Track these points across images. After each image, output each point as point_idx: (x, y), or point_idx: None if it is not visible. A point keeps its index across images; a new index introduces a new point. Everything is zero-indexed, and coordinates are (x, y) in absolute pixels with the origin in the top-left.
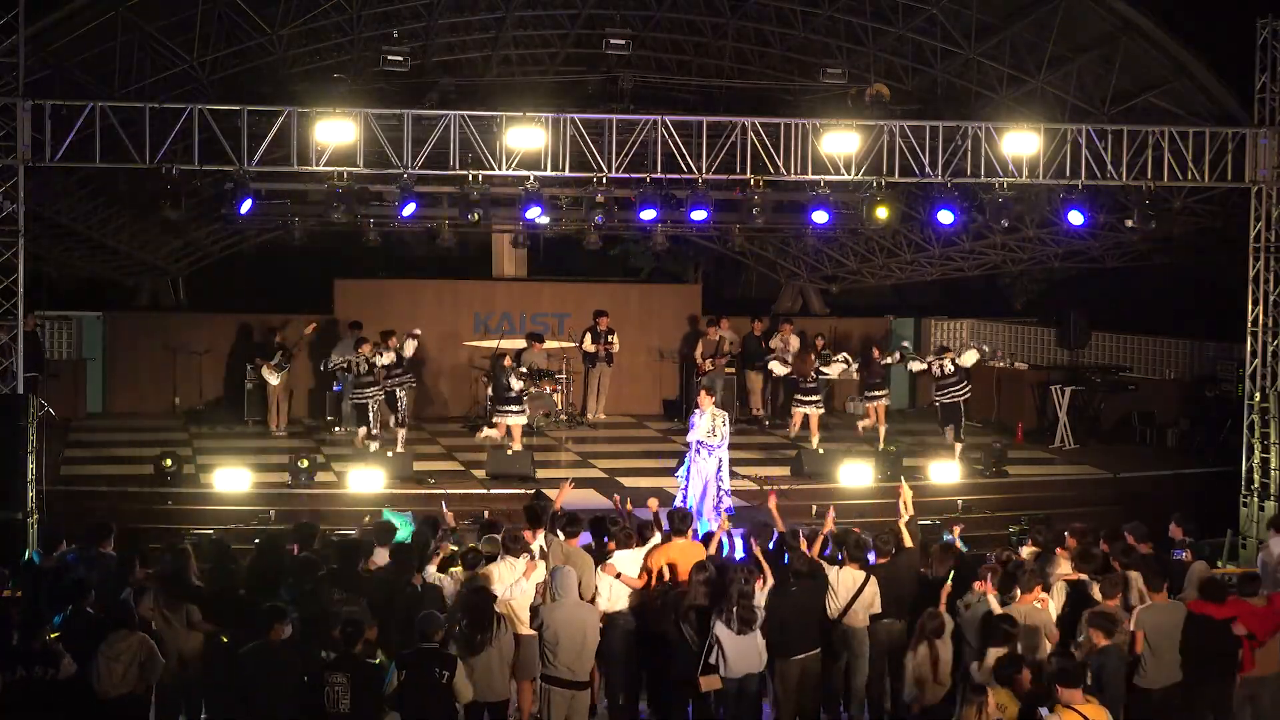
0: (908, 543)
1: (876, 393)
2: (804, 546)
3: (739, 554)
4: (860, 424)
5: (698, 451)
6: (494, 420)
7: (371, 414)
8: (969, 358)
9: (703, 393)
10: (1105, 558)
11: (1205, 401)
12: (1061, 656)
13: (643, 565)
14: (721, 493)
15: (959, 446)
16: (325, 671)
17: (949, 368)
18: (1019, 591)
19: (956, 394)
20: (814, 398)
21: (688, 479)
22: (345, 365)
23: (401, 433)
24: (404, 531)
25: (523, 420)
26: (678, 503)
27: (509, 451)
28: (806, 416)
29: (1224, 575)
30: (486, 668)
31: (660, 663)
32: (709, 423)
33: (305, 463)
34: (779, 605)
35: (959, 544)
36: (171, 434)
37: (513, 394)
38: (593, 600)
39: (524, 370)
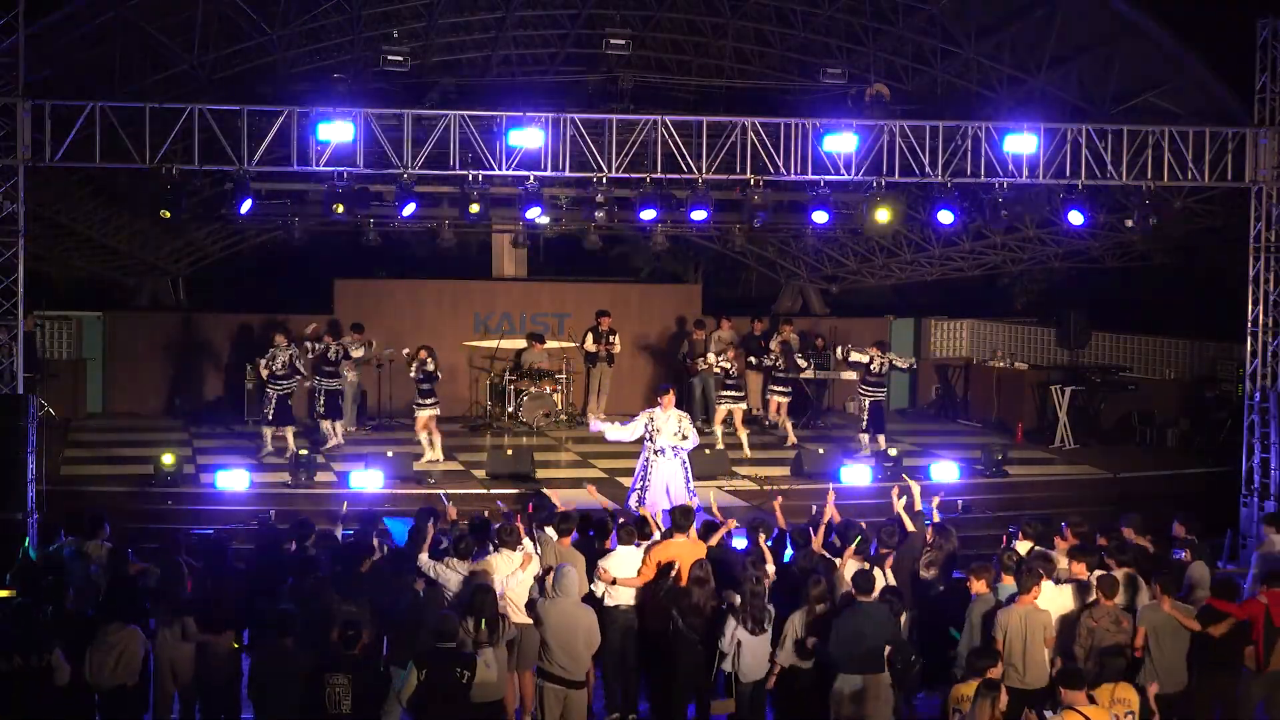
0: (910, 527)
1: (727, 393)
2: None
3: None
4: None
5: (660, 453)
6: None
7: (272, 409)
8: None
9: (669, 393)
10: (1102, 556)
11: (1205, 401)
12: (1065, 658)
13: (642, 561)
14: (692, 497)
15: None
16: (326, 673)
17: (886, 365)
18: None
19: (881, 393)
20: (737, 393)
21: (645, 481)
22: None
23: (327, 425)
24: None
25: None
26: (632, 504)
27: (507, 451)
28: (730, 412)
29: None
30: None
31: (660, 663)
32: (674, 425)
33: (305, 453)
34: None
35: (936, 515)
36: (171, 434)
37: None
38: (587, 598)
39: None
